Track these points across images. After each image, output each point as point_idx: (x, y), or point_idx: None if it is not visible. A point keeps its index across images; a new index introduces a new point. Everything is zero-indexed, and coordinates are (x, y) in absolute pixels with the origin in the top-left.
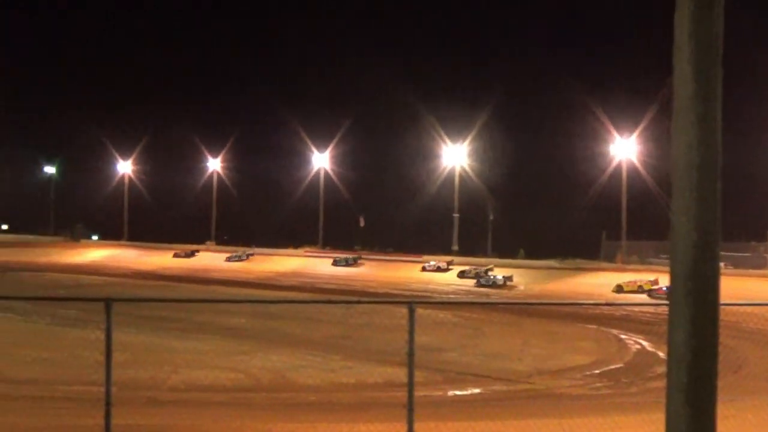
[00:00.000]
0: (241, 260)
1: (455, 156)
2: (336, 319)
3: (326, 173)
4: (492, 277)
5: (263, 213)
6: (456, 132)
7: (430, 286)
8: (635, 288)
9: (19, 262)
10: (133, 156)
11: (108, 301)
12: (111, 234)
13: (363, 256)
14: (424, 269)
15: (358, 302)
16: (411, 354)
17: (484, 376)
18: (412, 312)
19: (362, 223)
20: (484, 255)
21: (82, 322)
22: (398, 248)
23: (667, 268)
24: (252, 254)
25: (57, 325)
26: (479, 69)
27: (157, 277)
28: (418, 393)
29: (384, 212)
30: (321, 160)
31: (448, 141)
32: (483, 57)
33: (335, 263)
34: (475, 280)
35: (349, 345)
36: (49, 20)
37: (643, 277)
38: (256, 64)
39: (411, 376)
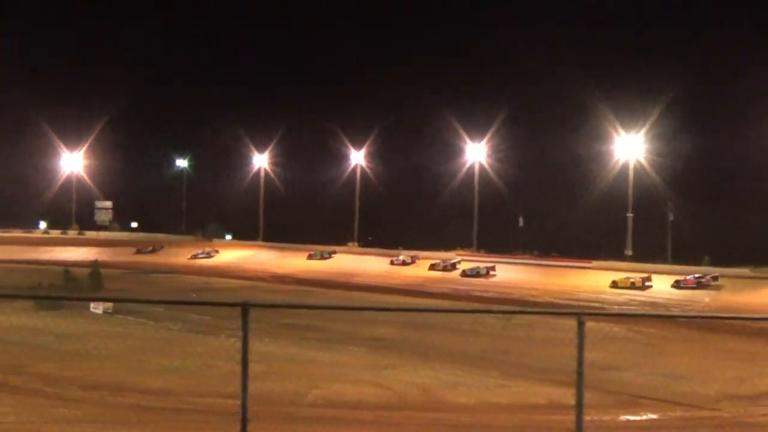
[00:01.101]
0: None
1: (630, 147)
2: (492, 331)
3: (482, 169)
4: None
5: (412, 212)
6: (630, 120)
7: (601, 296)
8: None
9: (150, 263)
10: (269, 151)
11: (245, 306)
12: (245, 233)
13: (523, 261)
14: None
15: (521, 312)
16: (580, 373)
17: (663, 400)
18: (581, 325)
19: (521, 224)
20: (663, 261)
21: (215, 329)
22: (563, 252)
23: None
24: (416, 257)
25: (189, 332)
26: (660, 54)
27: (295, 281)
28: (586, 417)
29: (547, 212)
30: (476, 154)
31: (620, 131)
32: (665, 42)
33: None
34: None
35: (507, 360)
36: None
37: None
38: (404, 53)
39: (580, 397)
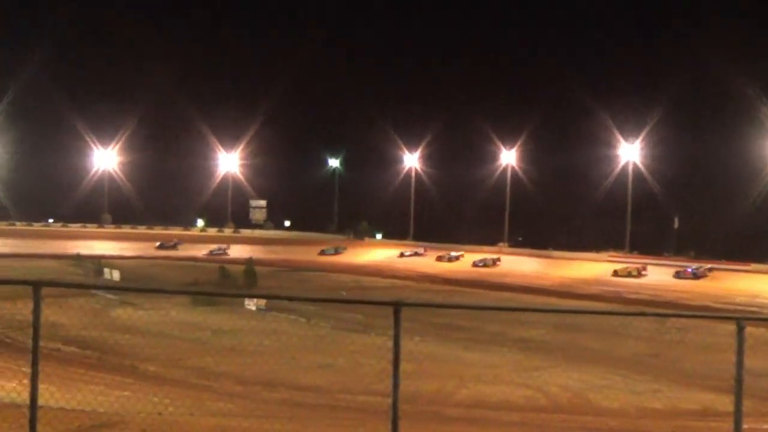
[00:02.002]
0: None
1: None
2: (644, 334)
3: (635, 168)
4: None
5: (562, 211)
6: None
7: (757, 300)
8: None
9: (302, 261)
10: (420, 150)
11: (397, 305)
12: (396, 233)
13: (678, 263)
14: None
15: (674, 315)
16: (739, 380)
17: None
18: (740, 330)
19: (676, 225)
20: None
21: (366, 327)
22: (723, 255)
23: None
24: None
25: (340, 330)
26: None
27: (444, 281)
28: (743, 425)
29: (705, 212)
30: (629, 154)
31: None
32: None
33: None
34: None
35: (659, 365)
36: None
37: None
38: (557, 53)
39: (739, 404)
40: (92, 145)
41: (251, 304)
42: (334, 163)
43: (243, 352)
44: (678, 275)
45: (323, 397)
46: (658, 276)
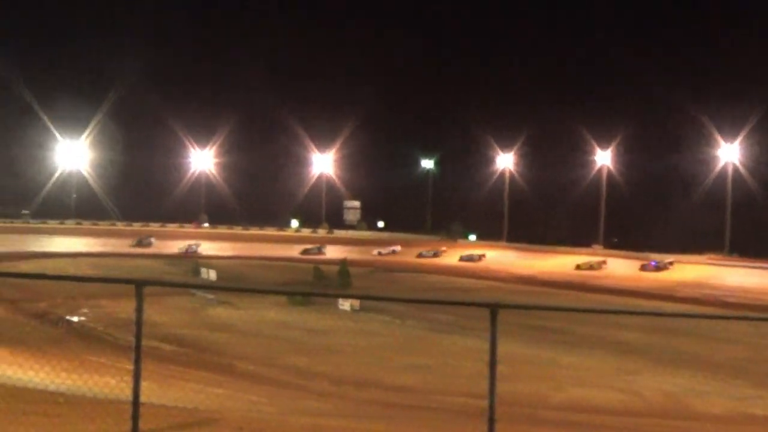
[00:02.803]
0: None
1: None
2: (743, 338)
3: (734, 169)
4: None
5: (659, 213)
6: None
7: None
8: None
9: (397, 262)
10: (514, 151)
11: (494, 307)
12: (490, 234)
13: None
14: None
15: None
16: None
17: None
18: None
19: None
20: None
21: (459, 329)
22: None
23: None
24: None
25: (433, 331)
26: None
27: (539, 283)
28: None
29: None
30: (729, 155)
31: None
32: None
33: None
34: None
35: (758, 370)
36: (433, 19)
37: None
38: (649, 54)
39: None
40: (190, 146)
41: (345, 305)
42: (428, 164)
43: (337, 351)
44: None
45: (416, 397)
46: (760, 279)
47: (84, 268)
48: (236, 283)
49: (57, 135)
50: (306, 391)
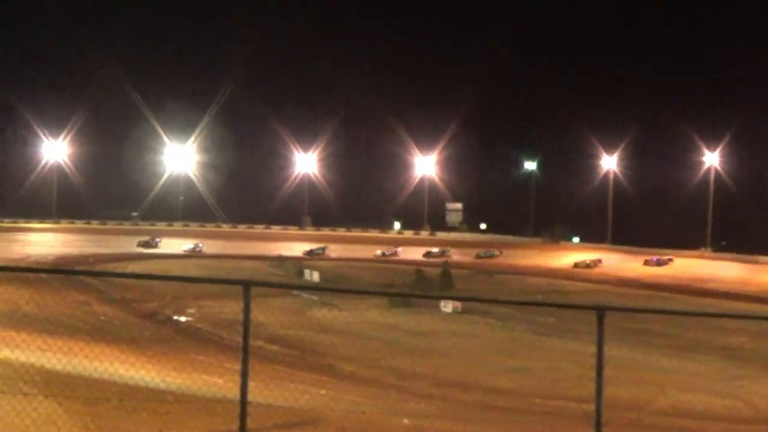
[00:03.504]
0: None
1: None
2: None
3: None
4: None
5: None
6: None
7: None
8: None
9: (498, 264)
10: (618, 152)
11: (600, 310)
12: (593, 236)
13: None
14: None
15: None
16: None
17: None
18: None
19: None
20: None
21: (561, 332)
22: None
23: None
24: None
25: (534, 333)
26: None
27: (642, 286)
28: None
29: None
30: None
31: None
32: None
33: None
34: None
35: None
36: (535, 20)
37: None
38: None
39: None
40: (294, 148)
41: (447, 307)
42: (530, 165)
43: (439, 353)
44: None
45: (518, 400)
46: None
47: (191, 269)
48: (339, 284)
49: (165, 138)
50: (408, 393)
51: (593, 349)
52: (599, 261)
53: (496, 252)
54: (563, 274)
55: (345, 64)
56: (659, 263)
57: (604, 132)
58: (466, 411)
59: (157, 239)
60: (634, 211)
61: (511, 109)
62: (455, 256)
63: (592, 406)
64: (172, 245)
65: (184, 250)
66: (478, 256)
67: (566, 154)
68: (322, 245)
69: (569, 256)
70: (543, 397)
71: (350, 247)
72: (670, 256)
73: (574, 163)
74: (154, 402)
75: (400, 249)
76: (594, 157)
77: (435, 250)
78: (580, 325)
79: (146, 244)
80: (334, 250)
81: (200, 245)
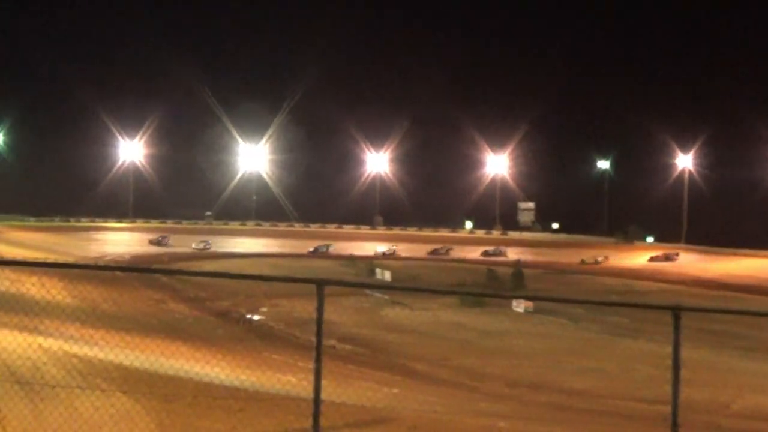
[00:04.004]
0: None
1: None
2: None
3: None
4: None
5: None
6: None
7: None
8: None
9: (569, 264)
10: (694, 151)
11: (676, 310)
12: (668, 236)
13: None
14: None
15: None
16: None
17: None
18: None
19: None
20: None
21: (634, 332)
22: None
23: None
24: None
25: (608, 334)
26: None
27: (719, 286)
28: None
29: None
30: None
31: None
32: None
33: None
34: None
35: None
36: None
37: None
38: None
39: None
40: (365, 148)
41: (519, 306)
42: (603, 164)
43: (511, 353)
44: None
45: (591, 401)
46: None
47: (263, 268)
48: (410, 283)
49: (239, 138)
50: (479, 393)
51: (668, 349)
52: (606, 258)
53: (503, 249)
54: (636, 274)
55: (417, 63)
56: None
57: (679, 130)
58: (539, 411)
59: (167, 237)
60: (709, 211)
61: (585, 107)
62: (528, 255)
63: (668, 408)
64: (183, 243)
65: (193, 248)
66: (485, 254)
67: (640, 153)
68: (392, 245)
69: (643, 255)
70: (617, 399)
71: (423, 247)
72: (744, 256)
73: (648, 161)
74: (228, 399)
75: (395, 247)
76: (668, 156)
77: (490, 249)
78: (655, 325)
79: (158, 242)
80: (405, 250)
81: (209, 243)
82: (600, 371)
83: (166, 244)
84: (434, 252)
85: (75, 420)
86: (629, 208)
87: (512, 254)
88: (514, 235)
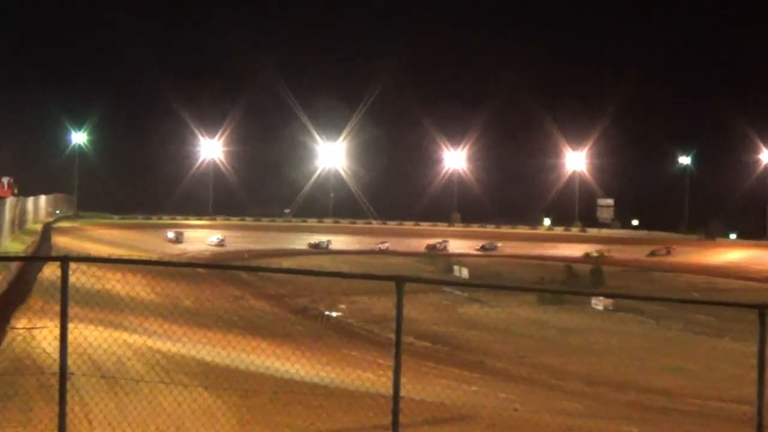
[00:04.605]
0: None
1: None
2: None
3: None
4: None
5: None
6: None
7: None
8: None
9: (647, 262)
10: None
11: (763, 308)
12: (753, 233)
13: None
14: None
15: None
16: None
17: None
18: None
19: None
20: None
21: (719, 331)
22: None
23: None
24: None
25: (690, 332)
26: None
27: None
28: None
29: None
30: None
31: None
32: None
33: None
34: None
35: None
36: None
37: None
38: None
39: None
40: (443, 145)
41: (598, 304)
42: (685, 160)
43: (590, 351)
44: None
45: (673, 401)
46: None
47: (341, 266)
48: (489, 280)
49: (316, 136)
50: (559, 391)
51: (754, 348)
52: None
53: (499, 244)
54: (719, 272)
55: (495, 60)
56: None
57: (763, 125)
58: (620, 410)
59: (183, 234)
60: None
61: (665, 102)
62: (615, 253)
63: (753, 409)
64: (197, 239)
65: (208, 243)
66: (483, 248)
67: (722, 148)
68: (443, 240)
69: (726, 253)
70: (700, 398)
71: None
72: None
73: (731, 156)
74: (305, 395)
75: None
76: (752, 151)
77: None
78: (740, 324)
79: (176, 240)
80: (459, 246)
81: (222, 238)
82: (683, 370)
83: (181, 242)
84: (482, 248)
85: (158, 414)
86: (711, 205)
87: (584, 251)
88: (593, 231)
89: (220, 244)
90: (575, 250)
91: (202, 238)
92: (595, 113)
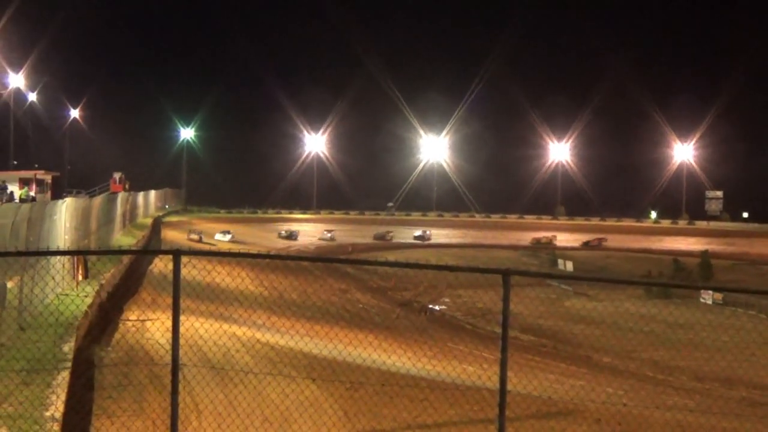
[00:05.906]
0: None
1: None
2: None
3: None
4: None
5: None
6: None
7: None
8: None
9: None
10: None
11: None
12: None
13: None
14: None
15: None
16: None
17: None
18: None
19: None
20: None
21: None
22: None
23: None
24: None
25: None
26: None
27: None
28: None
29: None
30: None
31: None
32: None
33: None
34: None
35: None
36: None
37: None
38: None
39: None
40: (546, 137)
41: (707, 298)
42: None
43: (699, 346)
44: None
45: None
46: None
47: (446, 259)
48: (594, 274)
49: (420, 130)
50: (666, 386)
51: None
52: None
53: (605, 239)
54: None
55: (600, 51)
56: None
57: None
58: (730, 406)
59: (295, 233)
60: None
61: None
62: (716, 246)
63: None
64: (306, 233)
65: (320, 239)
66: (586, 245)
67: None
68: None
69: None
70: None
71: (580, 237)
72: None
73: None
74: (412, 388)
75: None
76: None
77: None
78: None
79: (288, 237)
80: (570, 240)
81: (230, 232)
82: None
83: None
84: (586, 244)
85: (267, 405)
86: None
87: (695, 245)
88: (701, 224)
89: (332, 239)
90: (682, 244)
91: (310, 232)
92: (705, 104)
